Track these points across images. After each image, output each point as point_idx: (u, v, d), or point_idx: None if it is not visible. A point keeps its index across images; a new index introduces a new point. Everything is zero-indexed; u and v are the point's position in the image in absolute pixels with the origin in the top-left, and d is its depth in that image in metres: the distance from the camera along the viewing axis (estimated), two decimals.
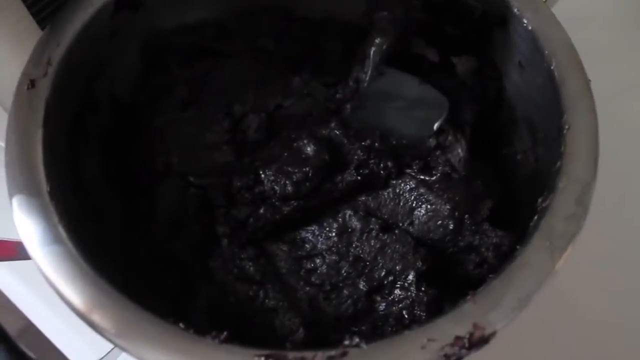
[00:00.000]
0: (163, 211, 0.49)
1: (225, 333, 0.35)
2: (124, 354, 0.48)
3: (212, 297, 0.47)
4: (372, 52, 0.51)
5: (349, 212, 0.48)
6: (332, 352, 0.34)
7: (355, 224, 0.48)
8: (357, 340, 0.34)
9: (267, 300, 0.47)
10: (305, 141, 0.49)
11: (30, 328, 0.58)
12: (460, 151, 0.51)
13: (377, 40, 0.50)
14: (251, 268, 0.48)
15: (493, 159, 0.56)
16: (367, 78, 0.51)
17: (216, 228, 0.50)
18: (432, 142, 0.51)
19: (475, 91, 0.54)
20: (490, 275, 0.38)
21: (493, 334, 0.35)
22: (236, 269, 0.48)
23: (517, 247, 0.39)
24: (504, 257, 0.47)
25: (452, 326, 0.35)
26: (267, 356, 0.34)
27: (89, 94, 0.49)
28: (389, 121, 0.52)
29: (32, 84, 0.44)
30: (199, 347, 0.35)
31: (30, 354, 0.37)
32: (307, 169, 0.48)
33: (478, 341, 0.34)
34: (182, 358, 0.34)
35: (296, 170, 0.48)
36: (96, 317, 0.36)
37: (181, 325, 0.35)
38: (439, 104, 0.52)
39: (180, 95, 0.54)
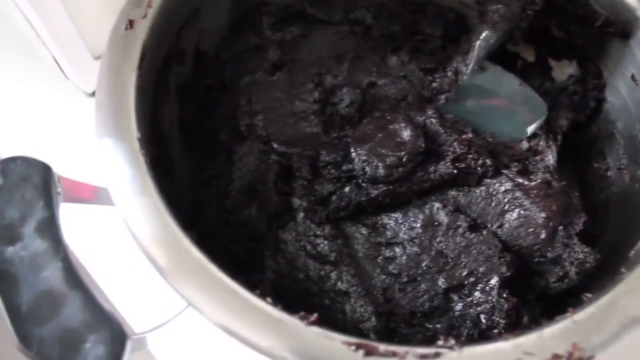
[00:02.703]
0: (240, 174, 0.48)
1: (315, 315, 0.33)
2: (178, 322, 0.47)
3: (280, 270, 0.46)
4: (477, 45, 0.48)
5: (437, 205, 0.46)
6: (425, 351, 0.33)
7: (443, 218, 0.46)
8: (452, 342, 0.33)
9: (339, 283, 0.45)
10: (402, 124, 0.47)
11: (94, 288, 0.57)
12: (550, 158, 0.49)
13: (485, 34, 0.48)
14: (326, 247, 0.46)
15: (574, 170, 0.54)
16: (468, 71, 0.49)
17: (292, 200, 0.48)
18: (525, 144, 0.49)
19: (574, 98, 0.51)
20: (587, 295, 0.37)
21: (591, 357, 0.34)
22: (309, 246, 0.47)
23: (623, 270, 0.37)
24: (586, 274, 0.46)
25: (550, 343, 0.34)
26: (357, 345, 0.32)
27: (177, 42, 0.48)
28: (482, 118, 0.50)
29: (131, 24, 0.42)
30: (285, 326, 0.33)
31: (105, 304, 0.35)
32: (402, 153, 0.45)
33: None
34: (269, 335, 0.32)
35: (390, 154, 0.46)
36: (180, 282, 0.34)
37: (269, 299, 0.34)
38: (537, 108, 0.50)
39: (271, 57, 0.52)
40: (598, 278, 0.45)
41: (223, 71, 0.52)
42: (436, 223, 0.46)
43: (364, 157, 0.46)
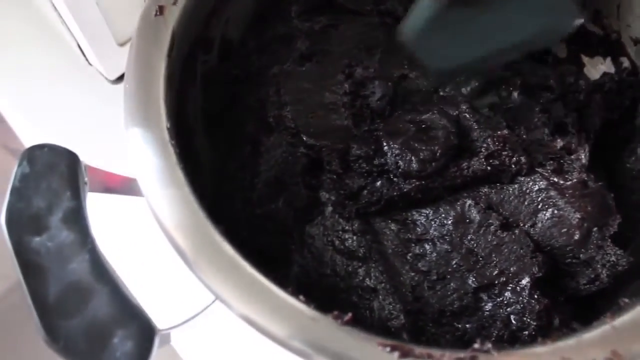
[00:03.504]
0: (268, 166, 0.47)
1: (349, 314, 0.32)
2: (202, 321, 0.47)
3: (306, 265, 0.45)
4: None
5: (469, 202, 0.45)
6: (461, 355, 0.32)
7: (475, 215, 0.45)
8: (488, 345, 0.32)
9: (367, 279, 0.44)
10: (435, 118, 0.46)
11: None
12: (582, 157, 0.48)
13: None
14: (354, 242, 0.46)
15: (605, 170, 0.53)
16: None
17: (320, 194, 0.47)
18: (559, 142, 0.47)
19: (608, 97, 0.50)
20: (624, 300, 0.36)
21: None
22: (337, 241, 0.46)
23: None
24: (617, 276, 0.45)
25: (589, 349, 0.33)
26: (392, 347, 0.32)
27: (205, 30, 0.47)
28: (503, 24, 0.44)
29: (161, 10, 0.41)
30: (318, 326, 0.32)
31: (134, 299, 0.34)
32: (436, 147, 0.44)
33: None
34: (301, 335, 0.32)
35: (423, 148, 0.45)
36: (210, 277, 0.34)
37: (301, 297, 0.33)
38: (569, 14, 0.43)
39: (300, 47, 0.50)
40: (628, 281, 0.44)
41: (249, 61, 0.51)
42: (467, 220, 0.45)
43: (397, 151, 0.45)
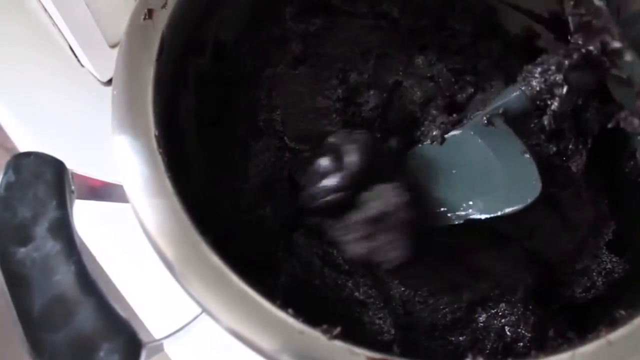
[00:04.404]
0: (256, 171, 0.46)
1: (338, 328, 0.32)
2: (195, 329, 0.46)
3: (295, 275, 0.44)
4: (496, 103, 0.44)
5: None
6: None
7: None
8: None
9: (356, 292, 0.43)
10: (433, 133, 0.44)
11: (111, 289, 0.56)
12: (579, 162, 0.47)
13: (512, 96, 0.43)
14: (339, 255, 0.44)
15: (604, 174, 0.52)
16: (472, 121, 0.44)
17: None
18: (552, 148, 0.47)
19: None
20: (621, 312, 0.35)
21: None
22: (321, 251, 0.45)
23: None
24: (613, 285, 0.44)
25: None
26: None
27: (197, 33, 0.46)
28: (458, 175, 0.44)
29: (150, 14, 0.41)
30: (307, 339, 0.31)
31: (121, 311, 0.33)
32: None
33: None
34: (289, 348, 0.31)
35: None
36: (197, 289, 0.33)
37: (290, 310, 0.32)
38: (529, 189, 0.41)
39: (293, 50, 0.50)
40: (626, 288, 0.44)
41: (243, 63, 0.50)
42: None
43: None
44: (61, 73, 0.62)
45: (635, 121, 0.40)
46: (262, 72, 0.49)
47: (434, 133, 0.45)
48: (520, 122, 0.44)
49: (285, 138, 0.47)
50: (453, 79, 0.49)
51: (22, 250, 0.34)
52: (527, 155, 0.41)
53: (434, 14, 0.52)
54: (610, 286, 0.44)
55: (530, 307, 0.41)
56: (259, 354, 0.32)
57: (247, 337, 0.32)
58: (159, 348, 0.39)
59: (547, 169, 0.45)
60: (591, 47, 0.39)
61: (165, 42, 0.41)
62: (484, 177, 0.42)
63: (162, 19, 0.41)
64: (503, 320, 0.41)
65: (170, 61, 0.42)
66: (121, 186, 0.37)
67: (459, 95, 0.49)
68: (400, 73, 0.50)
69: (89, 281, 0.34)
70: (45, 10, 0.52)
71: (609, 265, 0.44)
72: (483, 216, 0.41)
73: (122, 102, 0.38)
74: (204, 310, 0.34)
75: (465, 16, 0.52)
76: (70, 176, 0.38)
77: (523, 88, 0.42)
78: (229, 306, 0.33)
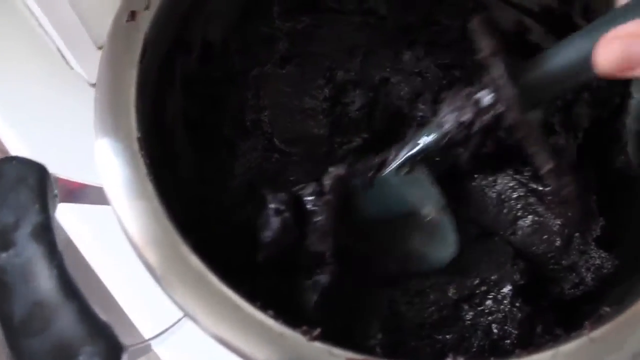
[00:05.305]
0: (242, 170, 0.46)
1: (318, 329, 0.32)
2: (185, 327, 0.46)
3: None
4: (413, 143, 0.43)
5: None
6: None
7: None
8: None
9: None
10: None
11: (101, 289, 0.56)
12: (568, 157, 0.46)
13: (428, 138, 0.42)
14: None
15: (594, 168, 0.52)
16: (392, 168, 0.44)
17: None
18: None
19: (597, 94, 0.49)
20: (605, 309, 0.35)
21: None
22: None
23: None
24: (603, 280, 0.44)
25: None
26: None
27: (183, 33, 0.46)
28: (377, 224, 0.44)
29: (133, 15, 0.41)
30: (286, 341, 0.31)
31: (102, 316, 0.34)
32: None
33: None
34: (268, 350, 0.31)
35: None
36: (176, 291, 0.33)
37: (270, 312, 0.32)
38: (444, 247, 0.42)
39: (280, 49, 0.49)
40: (615, 283, 0.43)
41: (231, 63, 0.50)
42: None
43: None
44: (51, 75, 0.62)
45: None
46: (250, 72, 0.49)
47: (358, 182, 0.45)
48: (441, 161, 0.44)
49: (275, 140, 0.47)
50: (441, 74, 0.49)
51: (4, 255, 0.34)
52: (445, 211, 0.42)
53: (423, 9, 0.52)
54: (599, 282, 0.44)
55: (517, 304, 0.41)
56: (238, 355, 0.32)
57: (227, 339, 0.32)
58: (146, 349, 0.39)
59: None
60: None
61: (149, 43, 0.40)
62: (405, 231, 0.43)
63: (146, 20, 0.41)
64: (490, 318, 0.41)
65: (156, 62, 0.42)
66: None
67: (448, 91, 0.48)
68: (388, 70, 0.50)
69: (71, 285, 0.34)
70: (32, 12, 0.52)
71: (597, 261, 0.43)
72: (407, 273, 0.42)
73: (104, 104, 0.38)
74: (185, 312, 0.34)
75: (454, 11, 0.52)
76: (52, 180, 0.38)
77: (439, 130, 0.41)
78: (209, 308, 0.33)
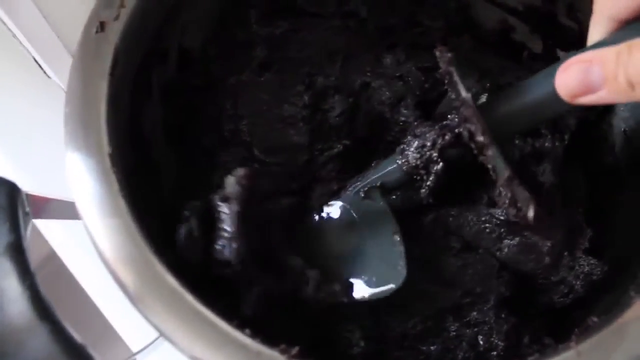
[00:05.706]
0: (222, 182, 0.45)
1: (297, 348, 0.31)
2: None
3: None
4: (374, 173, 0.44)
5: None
6: None
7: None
8: None
9: None
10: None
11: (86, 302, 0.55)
12: (554, 159, 0.46)
13: (390, 168, 0.43)
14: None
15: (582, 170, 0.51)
16: (351, 193, 0.44)
17: None
18: (527, 147, 0.45)
19: None
20: (593, 319, 0.34)
21: None
22: None
23: (632, 293, 0.34)
24: (593, 286, 0.43)
25: None
26: None
27: (158, 42, 0.45)
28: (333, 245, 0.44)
29: (102, 26, 0.40)
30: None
31: (77, 336, 0.33)
32: None
33: None
34: None
35: None
36: (151, 311, 0.32)
37: (247, 331, 0.32)
38: (392, 276, 0.41)
39: (258, 55, 0.48)
40: (605, 290, 0.42)
41: (208, 70, 0.49)
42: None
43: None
44: (28, 84, 0.61)
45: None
46: (227, 80, 0.48)
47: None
48: (399, 192, 0.44)
49: (254, 149, 0.46)
50: (423, 78, 0.48)
51: None
52: (397, 238, 0.42)
53: (404, 11, 0.51)
54: (589, 288, 0.43)
55: (503, 315, 0.40)
56: None
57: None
58: None
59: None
60: (462, 130, 0.38)
61: (120, 54, 0.39)
62: (355, 255, 0.43)
63: (116, 31, 0.40)
64: (475, 329, 0.40)
65: (130, 73, 0.41)
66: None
67: (430, 94, 0.47)
68: (368, 74, 0.49)
69: (44, 306, 0.34)
70: (4, 23, 0.51)
71: (587, 268, 0.42)
72: (355, 297, 0.41)
73: (74, 118, 0.37)
74: (160, 332, 0.33)
75: (436, 12, 0.51)
76: (24, 197, 0.37)
77: (399, 162, 0.42)
78: (184, 327, 0.32)
